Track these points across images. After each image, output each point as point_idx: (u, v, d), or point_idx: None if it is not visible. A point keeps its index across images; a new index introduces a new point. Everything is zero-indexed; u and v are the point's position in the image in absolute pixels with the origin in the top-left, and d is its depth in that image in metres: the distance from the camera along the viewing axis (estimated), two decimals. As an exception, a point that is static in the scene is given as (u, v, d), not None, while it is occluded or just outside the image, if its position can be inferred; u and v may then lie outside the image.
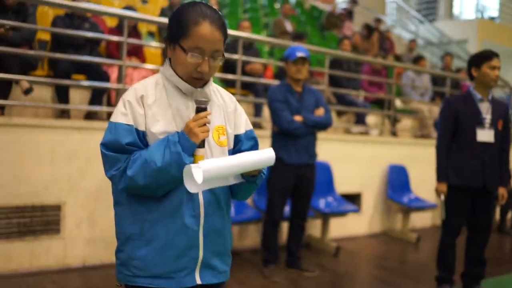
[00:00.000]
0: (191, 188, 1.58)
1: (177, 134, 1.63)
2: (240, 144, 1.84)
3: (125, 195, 1.70)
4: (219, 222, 1.76)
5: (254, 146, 1.89)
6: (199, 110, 1.65)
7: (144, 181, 1.59)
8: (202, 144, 1.65)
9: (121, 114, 1.66)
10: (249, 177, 1.73)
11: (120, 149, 1.63)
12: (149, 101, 1.68)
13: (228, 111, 1.83)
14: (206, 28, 1.64)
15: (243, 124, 1.88)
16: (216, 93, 1.85)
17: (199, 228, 1.69)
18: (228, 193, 1.82)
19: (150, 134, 1.66)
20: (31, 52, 4.35)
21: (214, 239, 1.74)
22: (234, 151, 1.81)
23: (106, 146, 1.65)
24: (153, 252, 1.66)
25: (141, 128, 1.66)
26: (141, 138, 1.66)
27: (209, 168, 1.53)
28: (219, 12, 1.71)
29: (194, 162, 1.62)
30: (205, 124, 1.63)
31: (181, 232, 1.66)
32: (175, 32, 1.68)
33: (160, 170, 1.58)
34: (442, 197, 3.91)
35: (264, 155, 1.65)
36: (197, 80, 1.70)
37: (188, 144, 1.61)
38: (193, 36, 1.63)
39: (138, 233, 1.67)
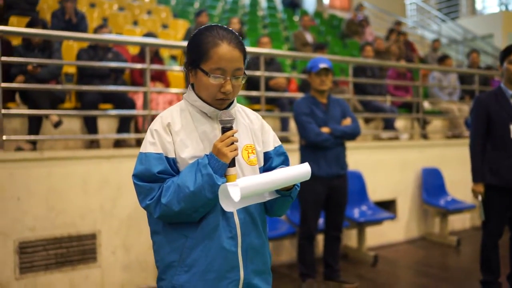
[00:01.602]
0: (227, 207, 1.59)
1: (206, 156, 1.64)
2: (270, 161, 1.85)
3: (161, 224, 1.72)
4: (257, 241, 1.76)
5: (285, 162, 1.90)
6: (225, 129, 1.67)
7: (179, 206, 1.60)
8: (233, 164, 1.65)
9: (149, 144, 1.69)
10: (283, 192, 1.73)
11: (153, 179, 1.65)
12: (176, 127, 1.70)
13: (255, 129, 1.85)
14: (224, 48, 1.66)
15: (272, 140, 1.89)
16: (241, 112, 1.86)
17: (238, 249, 1.70)
18: (263, 211, 1.83)
19: (180, 160, 1.68)
20: (58, 86, 4.47)
21: (253, 259, 1.74)
22: (265, 168, 1.82)
23: (138, 177, 1.67)
24: (194, 277, 1.67)
25: (171, 155, 1.68)
26: (172, 165, 1.68)
27: (246, 185, 1.53)
28: (235, 33, 1.74)
29: (227, 182, 1.62)
30: (232, 143, 1.64)
31: (220, 255, 1.67)
32: (195, 57, 1.70)
33: (194, 194, 1.59)
34: (480, 197, 3.82)
35: (300, 170, 1.66)
36: (222, 101, 1.71)
37: (218, 165, 1.62)
38: (213, 58, 1.66)
39: (178, 260, 1.69)
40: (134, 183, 1.68)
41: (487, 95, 3.89)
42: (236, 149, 1.64)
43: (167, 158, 1.67)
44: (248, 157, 1.76)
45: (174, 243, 1.69)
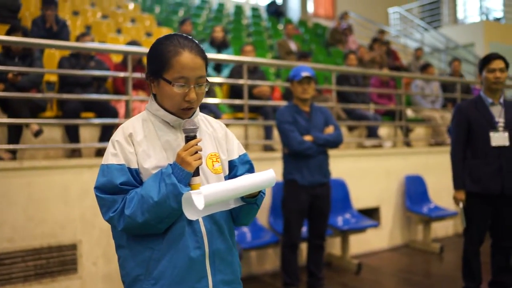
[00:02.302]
0: (191, 215, 1.57)
1: (170, 166, 1.62)
2: (235, 170, 1.84)
3: (125, 237, 1.69)
4: (224, 250, 1.74)
5: (250, 170, 1.89)
6: (188, 138, 1.65)
7: (143, 217, 1.58)
8: (197, 173, 1.64)
9: (111, 155, 1.66)
10: (249, 199, 1.72)
11: (115, 190, 1.62)
12: (138, 138, 1.68)
13: (218, 137, 1.84)
14: (187, 57, 1.66)
15: (236, 149, 1.88)
16: (205, 121, 1.86)
17: (205, 259, 1.68)
18: (230, 219, 1.81)
19: (143, 171, 1.66)
20: (39, 95, 4.42)
21: (221, 268, 1.72)
22: (230, 177, 1.81)
23: (100, 189, 1.64)
24: None
25: (133, 166, 1.66)
26: (135, 176, 1.66)
27: (210, 193, 1.52)
28: (195, 41, 1.73)
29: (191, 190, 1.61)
30: (196, 152, 1.62)
31: (188, 265, 1.64)
32: (156, 67, 1.69)
33: (158, 204, 1.57)
34: (461, 205, 3.85)
35: (265, 177, 1.64)
36: (187, 111, 1.70)
37: (182, 174, 1.60)
38: (175, 67, 1.65)
39: (144, 274, 1.66)
40: (96, 196, 1.65)
41: (467, 103, 3.93)
42: (200, 158, 1.63)
43: (129, 169, 1.65)
44: (213, 165, 1.75)
45: (139, 256, 1.66)
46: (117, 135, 1.70)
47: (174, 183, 1.57)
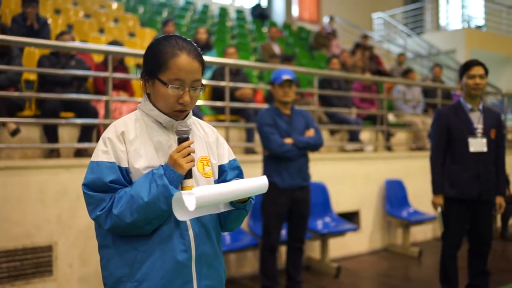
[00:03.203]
0: (181, 216, 1.54)
1: (161, 167, 1.60)
2: (225, 175, 1.83)
3: (111, 237, 1.66)
4: (211, 255, 1.72)
5: (239, 175, 1.88)
6: (181, 140, 1.64)
7: (132, 218, 1.55)
8: (189, 175, 1.62)
9: (102, 152, 1.63)
10: (238, 204, 1.71)
11: (104, 188, 1.60)
12: (130, 137, 1.66)
13: (210, 141, 1.82)
14: (184, 59, 1.64)
15: (226, 154, 1.86)
16: (197, 125, 1.84)
17: (191, 263, 1.65)
18: (218, 224, 1.79)
19: (134, 170, 1.63)
20: (16, 94, 4.35)
21: (207, 274, 1.70)
22: (219, 181, 1.79)
23: (88, 186, 1.61)
24: None
25: (124, 164, 1.63)
26: (125, 175, 1.63)
27: (203, 195, 1.49)
28: (194, 44, 1.72)
29: None
30: (189, 154, 1.61)
31: (174, 268, 1.62)
32: (152, 67, 1.67)
33: (148, 205, 1.54)
34: (439, 209, 3.88)
35: (257, 182, 1.63)
36: (180, 113, 1.68)
37: (174, 176, 1.58)
38: (172, 69, 1.63)
39: (128, 275, 1.63)
40: (84, 193, 1.62)
41: (447, 109, 3.97)
42: (192, 160, 1.61)
43: (119, 167, 1.62)
44: (203, 169, 1.73)
45: (124, 256, 1.63)
46: (108, 133, 1.67)
47: (166, 184, 1.55)
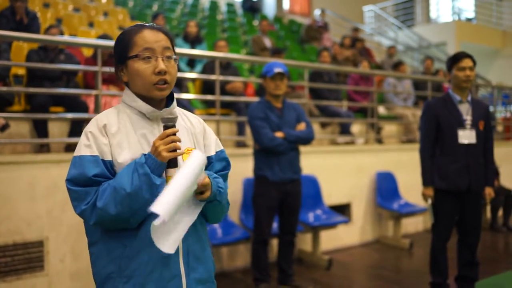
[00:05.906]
0: (168, 247, 1.55)
1: (143, 156, 1.57)
2: (211, 166, 1.80)
3: (99, 233, 1.64)
4: (199, 248, 1.71)
5: (226, 167, 1.86)
6: (166, 128, 1.59)
7: (116, 209, 1.53)
8: (174, 164, 1.58)
9: (84, 146, 1.61)
10: (201, 197, 1.65)
11: (88, 183, 1.57)
12: (113, 129, 1.64)
13: (196, 132, 1.80)
14: (148, 31, 1.68)
15: (213, 145, 1.84)
16: (183, 116, 1.82)
17: (179, 257, 1.64)
18: (203, 217, 1.77)
19: (118, 164, 1.61)
20: (4, 88, 4.31)
21: (196, 267, 1.69)
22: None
23: (72, 181, 1.59)
24: None
25: (107, 157, 1.61)
26: (109, 168, 1.61)
27: (163, 208, 1.44)
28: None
29: (166, 182, 1.56)
30: (172, 142, 1.56)
31: (161, 263, 1.61)
32: (120, 51, 1.69)
33: (131, 196, 1.52)
34: (429, 201, 3.91)
35: (195, 160, 1.55)
36: (161, 86, 1.65)
37: (156, 164, 1.55)
38: (138, 42, 1.66)
39: (117, 272, 1.61)
40: (68, 189, 1.60)
41: (436, 100, 3.98)
42: (175, 149, 1.56)
43: (103, 161, 1.60)
44: None
45: (112, 253, 1.62)
46: (90, 126, 1.65)
47: (147, 173, 1.53)
